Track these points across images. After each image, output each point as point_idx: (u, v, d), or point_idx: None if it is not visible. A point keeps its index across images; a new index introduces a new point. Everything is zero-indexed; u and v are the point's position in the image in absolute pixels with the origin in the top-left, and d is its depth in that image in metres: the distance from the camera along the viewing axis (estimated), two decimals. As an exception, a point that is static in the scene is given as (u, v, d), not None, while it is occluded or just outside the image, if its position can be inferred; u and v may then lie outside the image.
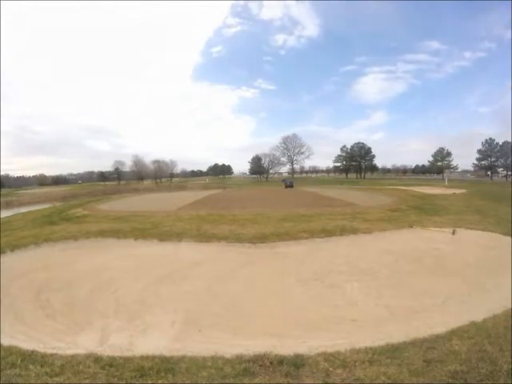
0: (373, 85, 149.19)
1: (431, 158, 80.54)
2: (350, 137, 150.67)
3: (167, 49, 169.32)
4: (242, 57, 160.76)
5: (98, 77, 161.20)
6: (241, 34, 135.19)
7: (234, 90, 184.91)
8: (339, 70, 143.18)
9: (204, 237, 11.16)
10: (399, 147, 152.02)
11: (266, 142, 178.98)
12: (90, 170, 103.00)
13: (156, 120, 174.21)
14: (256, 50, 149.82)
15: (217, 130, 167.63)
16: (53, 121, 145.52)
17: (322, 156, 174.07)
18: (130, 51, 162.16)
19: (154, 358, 3.51)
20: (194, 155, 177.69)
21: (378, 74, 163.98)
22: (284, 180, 56.73)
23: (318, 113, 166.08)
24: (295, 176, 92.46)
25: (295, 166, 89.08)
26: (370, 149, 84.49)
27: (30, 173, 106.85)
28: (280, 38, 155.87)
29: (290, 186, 44.16)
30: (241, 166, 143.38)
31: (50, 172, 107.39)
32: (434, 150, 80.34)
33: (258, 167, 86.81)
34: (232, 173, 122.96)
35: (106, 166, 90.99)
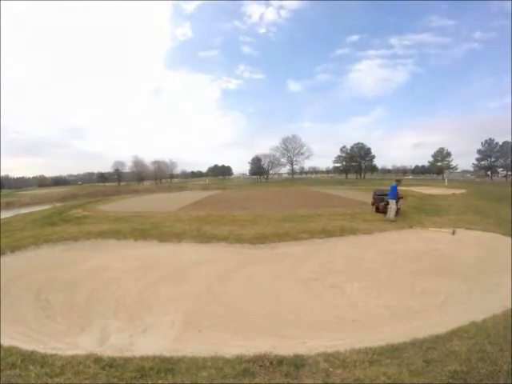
0: (369, 73, 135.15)
1: (431, 159, 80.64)
2: (347, 134, 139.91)
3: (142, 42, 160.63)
4: (213, 38, 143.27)
5: (84, 77, 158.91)
6: (206, 8, 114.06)
7: (214, 80, 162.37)
8: (330, 55, 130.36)
9: (204, 237, 11.16)
10: (399, 144, 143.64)
11: (259, 140, 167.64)
12: (90, 171, 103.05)
13: (145, 120, 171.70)
14: (229, 28, 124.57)
15: (205, 129, 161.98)
16: (37, 121, 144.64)
17: (319, 155, 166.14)
18: (111, 50, 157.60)
19: (154, 358, 3.51)
20: (187, 155, 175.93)
21: (374, 59, 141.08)
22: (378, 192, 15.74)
23: (313, 108, 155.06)
24: (295, 177, 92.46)
25: (295, 166, 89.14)
26: (369, 149, 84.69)
27: (17, 173, 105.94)
28: (255, 11, 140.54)
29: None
30: (240, 166, 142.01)
31: (40, 173, 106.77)
32: (438, 147, 79.41)
33: (258, 168, 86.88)
34: (232, 174, 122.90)
35: (106, 167, 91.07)
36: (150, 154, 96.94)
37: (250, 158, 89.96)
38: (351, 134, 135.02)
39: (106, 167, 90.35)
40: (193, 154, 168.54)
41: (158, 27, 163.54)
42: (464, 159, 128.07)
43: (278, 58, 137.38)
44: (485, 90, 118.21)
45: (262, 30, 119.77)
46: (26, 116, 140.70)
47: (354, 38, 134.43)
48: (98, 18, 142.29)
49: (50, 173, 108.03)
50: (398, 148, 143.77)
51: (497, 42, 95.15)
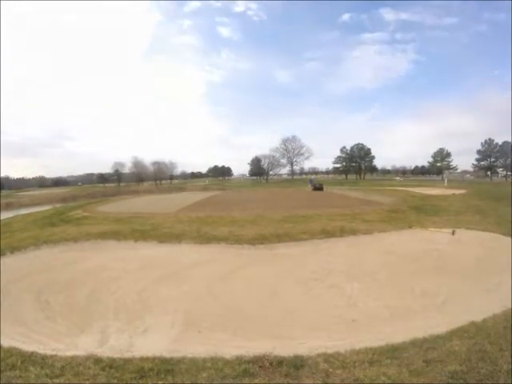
0: (365, 61, 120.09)
1: (431, 159, 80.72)
2: (343, 131, 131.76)
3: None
4: (183, 21, 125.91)
5: (76, 77, 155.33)
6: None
7: (197, 71, 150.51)
8: (322, 39, 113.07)
9: (204, 238, 11.16)
10: (399, 142, 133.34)
11: (252, 137, 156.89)
12: (89, 172, 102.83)
13: (144, 120, 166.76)
14: (199, 9, 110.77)
15: (196, 128, 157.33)
16: (35, 122, 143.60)
17: (316, 156, 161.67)
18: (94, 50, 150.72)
19: (153, 359, 3.51)
20: (183, 157, 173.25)
21: (370, 44, 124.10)
22: (311, 180, 45.86)
23: (307, 103, 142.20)
24: (295, 177, 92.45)
25: (295, 167, 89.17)
26: (369, 150, 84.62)
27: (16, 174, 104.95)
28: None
29: (320, 188, 35.21)
30: (241, 167, 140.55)
31: (39, 173, 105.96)
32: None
33: (258, 169, 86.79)
34: (232, 174, 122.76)
35: (106, 168, 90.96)
36: (150, 154, 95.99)
37: (235, 157, 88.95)
38: (347, 130, 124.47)
39: (106, 168, 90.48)
40: (191, 154, 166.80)
41: (145, 22, 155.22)
42: (463, 158, 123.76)
43: (263, 42, 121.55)
44: (498, 78, 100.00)
45: (239, 8, 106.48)
46: (20, 117, 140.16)
47: (345, 17, 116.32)
48: (90, 17, 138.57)
49: (49, 174, 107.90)
50: (398, 145, 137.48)
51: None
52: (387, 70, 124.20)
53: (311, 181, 44.66)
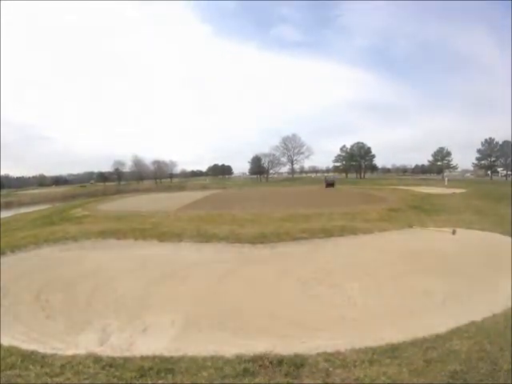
0: (355, 22, 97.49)
1: (431, 158, 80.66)
2: (336, 122, 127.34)
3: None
4: None
5: (77, 76, 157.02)
6: None
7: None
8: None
9: (204, 237, 11.14)
10: (398, 137, 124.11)
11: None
12: (90, 170, 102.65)
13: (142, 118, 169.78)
14: None
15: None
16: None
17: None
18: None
19: (153, 358, 3.51)
20: (183, 155, 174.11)
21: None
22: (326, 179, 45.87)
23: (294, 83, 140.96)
24: (295, 176, 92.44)
25: (295, 165, 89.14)
26: (369, 148, 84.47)
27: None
28: None
29: (331, 184, 39.38)
30: (241, 165, 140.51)
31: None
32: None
33: (258, 167, 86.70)
34: (232, 173, 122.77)
35: (106, 166, 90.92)
36: (150, 153, 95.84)
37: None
38: (340, 120, 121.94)
39: (106, 166, 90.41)
40: (191, 153, 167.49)
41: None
42: (464, 156, 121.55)
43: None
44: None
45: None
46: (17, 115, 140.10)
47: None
48: (90, 17, 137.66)
49: (49, 172, 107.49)
50: (398, 140, 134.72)
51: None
52: (384, 38, 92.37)
53: (326, 179, 46.63)
